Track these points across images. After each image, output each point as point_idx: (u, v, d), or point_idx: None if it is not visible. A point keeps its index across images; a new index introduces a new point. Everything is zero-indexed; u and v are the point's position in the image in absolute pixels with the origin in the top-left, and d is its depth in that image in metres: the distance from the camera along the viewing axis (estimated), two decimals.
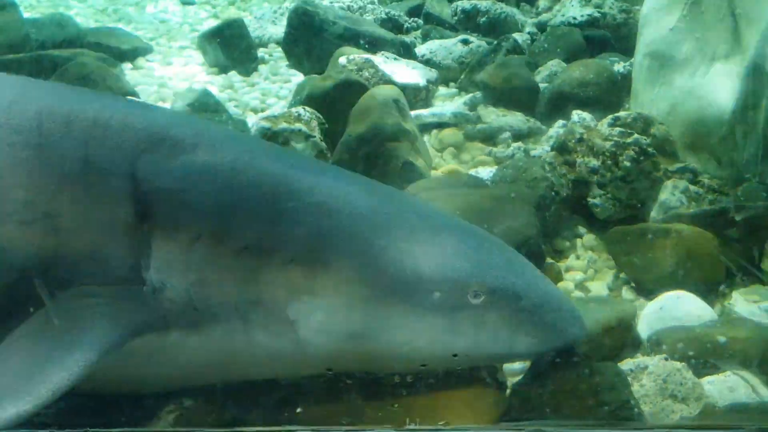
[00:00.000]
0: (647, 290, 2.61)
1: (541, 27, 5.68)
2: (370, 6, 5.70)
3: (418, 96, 4.11)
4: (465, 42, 4.93)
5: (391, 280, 1.72)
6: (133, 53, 4.67)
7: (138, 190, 1.66)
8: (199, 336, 1.67)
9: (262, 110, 4.18)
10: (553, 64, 4.72)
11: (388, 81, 4.02)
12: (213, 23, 5.90)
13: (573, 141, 3.19)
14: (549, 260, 2.79)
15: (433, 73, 4.33)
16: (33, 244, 1.60)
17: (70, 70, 3.49)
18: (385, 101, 3.37)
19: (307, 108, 3.56)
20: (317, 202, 1.76)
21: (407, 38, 5.18)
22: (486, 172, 3.36)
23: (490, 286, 1.78)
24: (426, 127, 3.91)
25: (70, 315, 1.58)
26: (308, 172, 1.87)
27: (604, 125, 3.44)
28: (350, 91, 3.67)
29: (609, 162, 3.08)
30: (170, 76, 4.59)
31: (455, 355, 1.80)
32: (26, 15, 4.59)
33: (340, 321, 1.70)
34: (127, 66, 4.52)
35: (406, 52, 4.76)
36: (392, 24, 5.47)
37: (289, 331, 1.68)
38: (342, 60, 4.20)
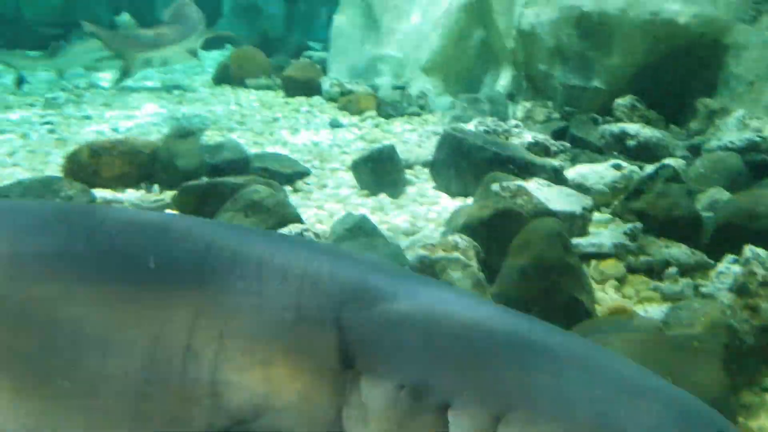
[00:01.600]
0: None
1: (694, 150, 5.52)
2: (515, 129, 5.79)
3: (574, 224, 4.04)
4: (617, 167, 4.86)
5: None
6: (293, 177, 4.95)
7: (343, 339, 1.68)
8: None
9: (413, 233, 4.25)
10: (714, 192, 4.54)
11: (543, 209, 3.99)
12: (360, 145, 6.21)
13: (755, 284, 2.98)
14: (740, 419, 2.55)
15: (588, 200, 4.26)
16: (246, 391, 1.64)
17: (243, 196, 3.73)
18: (548, 234, 3.32)
19: (464, 236, 3.58)
20: (521, 354, 1.70)
21: (556, 162, 5.18)
22: (656, 311, 3.19)
23: None
24: (584, 257, 3.80)
25: None
26: (507, 321, 1.82)
27: None
28: (508, 220, 3.68)
29: None
30: (325, 198, 4.80)
31: None
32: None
33: None
34: (287, 188, 4.78)
35: (556, 176, 4.75)
36: (539, 147, 5.50)
37: None
38: (495, 187, 4.21)
